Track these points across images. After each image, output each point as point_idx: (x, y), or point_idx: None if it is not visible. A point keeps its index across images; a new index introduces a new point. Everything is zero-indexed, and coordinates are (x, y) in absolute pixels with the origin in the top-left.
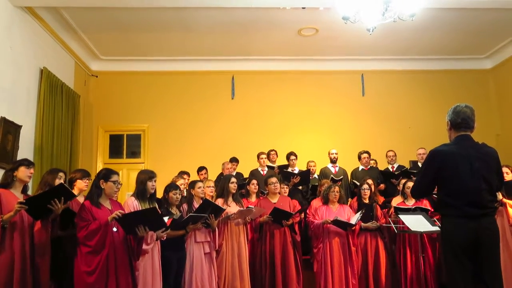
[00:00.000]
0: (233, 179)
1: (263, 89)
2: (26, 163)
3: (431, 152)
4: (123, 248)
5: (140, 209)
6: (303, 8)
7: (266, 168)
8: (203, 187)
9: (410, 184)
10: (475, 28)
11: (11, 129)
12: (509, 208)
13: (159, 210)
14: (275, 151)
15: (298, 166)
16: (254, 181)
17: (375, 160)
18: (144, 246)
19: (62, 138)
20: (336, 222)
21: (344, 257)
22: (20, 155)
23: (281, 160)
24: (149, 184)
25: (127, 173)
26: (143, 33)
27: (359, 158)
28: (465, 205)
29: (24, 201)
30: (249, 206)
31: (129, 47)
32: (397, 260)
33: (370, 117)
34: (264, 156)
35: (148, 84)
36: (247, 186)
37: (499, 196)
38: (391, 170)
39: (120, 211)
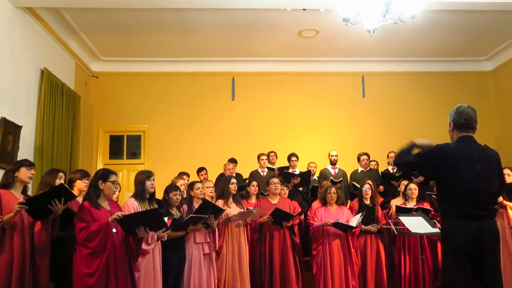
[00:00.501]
0: (234, 180)
1: (264, 90)
2: (27, 164)
3: (436, 148)
4: (122, 249)
5: (140, 209)
6: (303, 9)
7: (266, 170)
8: (202, 188)
9: (412, 186)
10: (476, 30)
11: (11, 129)
12: (509, 210)
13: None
14: (274, 152)
15: (299, 168)
16: (255, 183)
17: (376, 162)
18: (145, 247)
19: (62, 139)
20: (337, 225)
21: (344, 259)
22: (20, 156)
23: (281, 162)
24: (148, 183)
25: (127, 174)
26: (143, 34)
27: (359, 160)
28: (465, 206)
29: (24, 201)
30: (249, 207)
31: (130, 48)
32: (396, 262)
33: (370, 119)
34: (264, 157)
35: (148, 85)
36: (247, 188)
37: (500, 198)
38: (391, 171)
39: (121, 212)
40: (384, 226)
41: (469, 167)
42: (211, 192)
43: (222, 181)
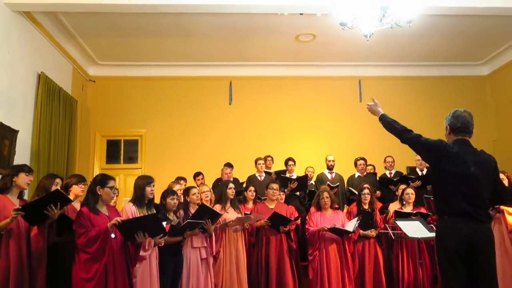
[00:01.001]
0: (231, 185)
1: (261, 95)
2: (26, 169)
3: (442, 142)
4: (121, 254)
5: (138, 215)
6: (300, 14)
7: (263, 174)
8: (198, 193)
9: (409, 190)
10: (472, 35)
11: (7, 134)
12: (507, 215)
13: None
14: (271, 157)
15: (296, 172)
16: (252, 188)
17: (373, 166)
18: (142, 253)
19: (59, 143)
20: (334, 230)
21: (341, 264)
22: (17, 160)
23: (278, 166)
24: (148, 189)
25: (124, 179)
26: (141, 38)
27: (355, 164)
28: (460, 204)
29: (21, 207)
30: (246, 212)
31: (127, 52)
32: (394, 267)
33: (368, 123)
34: (261, 161)
35: (145, 90)
36: (245, 192)
37: None
38: (388, 176)
39: (120, 217)
40: (382, 231)
41: (463, 168)
42: (207, 197)
43: (219, 186)
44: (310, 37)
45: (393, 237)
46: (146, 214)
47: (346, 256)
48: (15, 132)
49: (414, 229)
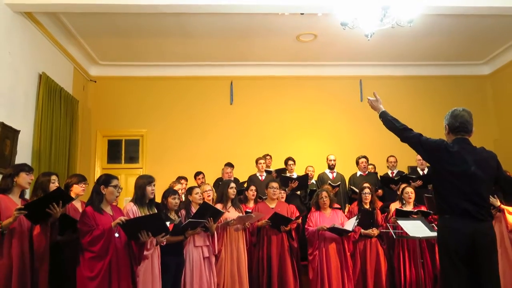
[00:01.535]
0: (232, 184)
1: (262, 95)
2: (27, 168)
3: (443, 142)
4: (125, 254)
5: (139, 214)
6: (301, 14)
7: (264, 173)
8: (201, 193)
9: (408, 189)
10: (473, 34)
11: (9, 134)
12: (507, 214)
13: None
14: (270, 156)
15: (296, 172)
16: (253, 187)
17: (374, 165)
18: (144, 252)
19: (60, 143)
20: (333, 229)
21: (341, 263)
22: (18, 160)
23: (279, 165)
24: (149, 189)
25: (125, 178)
26: (141, 38)
27: (357, 163)
28: (461, 203)
29: (23, 206)
30: (247, 210)
31: (128, 52)
32: (396, 266)
33: (368, 123)
34: (262, 161)
35: (146, 90)
36: (245, 192)
37: (497, 202)
38: (390, 175)
39: (124, 217)
40: (383, 230)
41: (464, 167)
42: (209, 196)
43: (221, 185)
44: (311, 37)
45: (394, 237)
46: (147, 213)
47: (345, 255)
48: (17, 132)
49: (415, 229)
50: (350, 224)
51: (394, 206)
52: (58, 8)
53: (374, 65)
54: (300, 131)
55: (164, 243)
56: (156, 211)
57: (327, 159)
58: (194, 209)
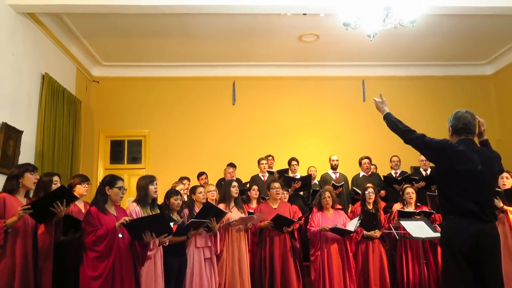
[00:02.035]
0: (235, 184)
1: (264, 95)
2: (31, 168)
3: (448, 141)
4: (128, 254)
5: (142, 215)
6: (304, 14)
7: (266, 174)
8: (204, 192)
9: (409, 190)
10: (476, 34)
11: (12, 134)
12: (510, 215)
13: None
14: (272, 156)
15: (299, 172)
16: (255, 187)
17: (375, 165)
18: (148, 252)
19: (63, 144)
20: (335, 230)
21: (342, 264)
22: (21, 161)
23: (280, 166)
24: (151, 188)
25: (128, 179)
26: (144, 39)
27: (360, 163)
28: (466, 204)
29: (28, 205)
30: (249, 210)
31: (131, 53)
32: (398, 266)
33: (371, 123)
34: (264, 161)
35: (149, 90)
36: (248, 192)
37: (500, 203)
38: (394, 175)
39: (128, 217)
40: (386, 231)
41: (471, 166)
42: (213, 196)
43: (223, 185)
44: (313, 37)
45: (397, 237)
46: (150, 213)
47: (348, 256)
48: (20, 132)
49: (418, 229)
50: (352, 225)
51: (397, 207)
52: (61, 9)
53: (377, 66)
54: (303, 131)
55: (167, 243)
56: (159, 211)
57: (330, 159)
58: (197, 209)
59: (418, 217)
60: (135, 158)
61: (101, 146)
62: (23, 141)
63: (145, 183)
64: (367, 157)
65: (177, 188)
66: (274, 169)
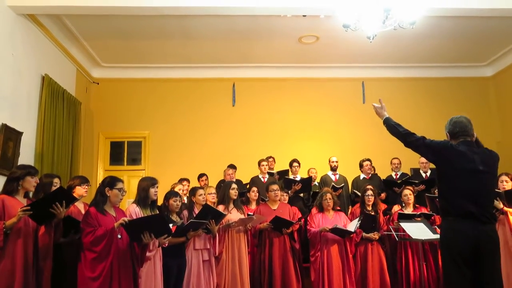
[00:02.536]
0: (234, 186)
1: (264, 96)
2: (33, 172)
3: (448, 142)
4: (127, 255)
5: (142, 216)
6: (304, 16)
7: (267, 175)
8: (204, 194)
9: (407, 191)
10: (476, 36)
11: (12, 135)
12: (510, 217)
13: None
14: (273, 157)
15: (300, 174)
16: (255, 189)
17: (373, 167)
18: (147, 253)
19: (63, 145)
20: (335, 230)
21: (342, 265)
22: (21, 162)
23: (281, 167)
24: (152, 190)
25: (128, 180)
26: (144, 40)
27: (361, 166)
28: (466, 205)
29: (27, 206)
30: (249, 213)
31: (131, 54)
32: (398, 268)
33: (371, 125)
34: (265, 163)
35: (149, 91)
36: (247, 194)
37: (500, 204)
38: (394, 177)
39: (127, 218)
40: (385, 233)
41: (472, 166)
42: (213, 198)
43: (223, 187)
44: (313, 39)
45: (397, 239)
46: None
47: (347, 257)
48: (19, 134)
49: (418, 231)
50: (352, 226)
51: (395, 209)
52: (61, 10)
53: (377, 67)
54: (303, 133)
55: (166, 244)
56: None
57: (330, 161)
58: (197, 210)
59: (419, 219)
60: (135, 159)
61: (101, 148)
62: (23, 142)
63: (146, 185)
64: (368, 159)
65: (176, 189)
66: (275, 171)
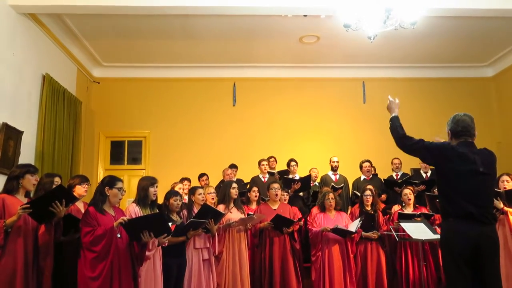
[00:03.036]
0: (234, 185)
1: (265, 96)
2: (32, 170)
3: (448, 143)
4: (126, 254)
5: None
6: (304, 16)
7: (267, 175)
8: (204, 194)
9: (407, 191)
10: (477, 36)
11: (12, 134)
12: (510, 217)
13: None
14: (274, 157)
15: (299, 173)
16: (255, 189)
17: (374, 167)
18: (146, 253)
19: (64, 144)
20: (336, 230)
21: (343, 265)
22: (22, 161)
23: (282, 167)
24: (151, 190)
25: (128, 180)
26: (145, 40)
27: (361, 167)
28: (466, 205)
29: (27, 204)
30: (249, 213)
31: (131, 53)
32: (398, 268)
33: (371, 125)
34: (265, 163)
35: (149, 91)
36: (248, 193)
37: (500, 204)
38: (395, 177)
39: (126, 217)
40: (385, 232)
41: (473, 167)
42: (213, 198)
43: (223, 186)
44: (314, 39)
45: (397, 239)
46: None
47: (348, 257)
48: (20, 133)
49: (418, 231)
50: (353, 226)
51: (395, 208)
52: (62, 9)
53: (377, 67)
54: (303, 133)
55: (166, 244)
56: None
57: (330, 160)
58: (196, 210)
59: (419, 219)
60: (135, 159)
61: (101, 147)
62: (23, 141)
63: (145, 184)
64: (368, 161)
65: (176, 188)
66: (276, 170)
